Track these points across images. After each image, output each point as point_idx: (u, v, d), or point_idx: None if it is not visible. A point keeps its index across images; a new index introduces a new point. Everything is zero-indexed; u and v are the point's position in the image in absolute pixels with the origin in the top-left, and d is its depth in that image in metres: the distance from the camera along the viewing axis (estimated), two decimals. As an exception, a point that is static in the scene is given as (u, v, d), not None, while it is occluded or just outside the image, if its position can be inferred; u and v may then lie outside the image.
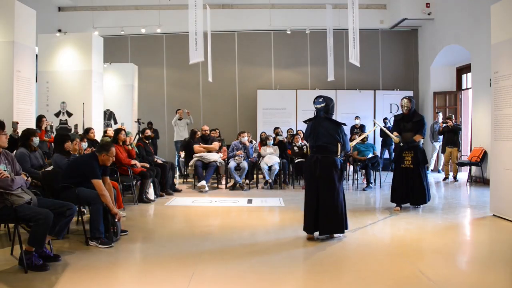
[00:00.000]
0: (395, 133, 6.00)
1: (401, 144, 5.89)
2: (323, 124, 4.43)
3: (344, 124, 4.56)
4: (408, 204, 5.98)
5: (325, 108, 4.46)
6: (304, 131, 9.46)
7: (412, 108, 5.89)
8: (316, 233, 4.42)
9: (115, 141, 6.60)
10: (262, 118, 11.33)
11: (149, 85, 12.12)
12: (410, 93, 11.52)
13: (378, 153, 8.60)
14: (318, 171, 4.35)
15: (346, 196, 7.11)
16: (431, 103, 11.22)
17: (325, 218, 4.32)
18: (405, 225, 5.09)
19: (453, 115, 9.70)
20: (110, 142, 5.46)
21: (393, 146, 10.01)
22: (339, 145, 4.41)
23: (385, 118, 10.85)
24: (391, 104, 11.40)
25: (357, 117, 10.63)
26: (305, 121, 4.69)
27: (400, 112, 6.15)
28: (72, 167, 4.44)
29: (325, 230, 4.37)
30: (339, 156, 4.47)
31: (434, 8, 10.49)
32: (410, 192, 5.83)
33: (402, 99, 5.99)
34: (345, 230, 4.46)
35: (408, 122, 5.89)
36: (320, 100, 4.48)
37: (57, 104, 8.47)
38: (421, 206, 5.99)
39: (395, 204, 5.97)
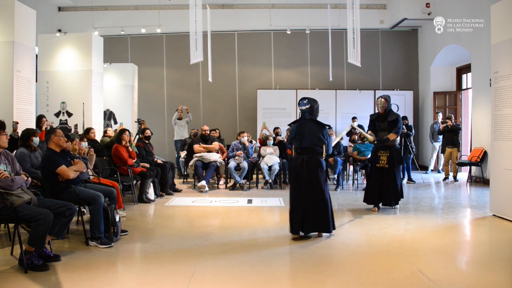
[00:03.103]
0: (369, 132, 6.01)
1: (375, 142, 5.89)
2: (309, 125, 4.47)
3: (329, 126, 4.60)
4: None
5: (310, 109, 4.51)
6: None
7: (388, 107, 5.89)
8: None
9: (118, 141, 6.60)
10: (262, 118, 11.31)
11: (149, 85, 12.12)
12: (410, 93, 11.54)
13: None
14: (305, 172, 4.39)
15: (346, 196, 7.21)
16: (431, 103, 11.23)
17: (312, 218, 4.36)
18: (404, 225, 5.10)
19: (452, 115, 9.70)
20: (56, 128, 5.46)
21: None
22: (324, 147, 4.45)
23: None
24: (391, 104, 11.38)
25: (354, 118, 10.52)
26: (289, 124, 4.71)
27: (376, 111, 6.16)
28: (41, 169, 4.38)
29: (312, 228, 4.41)
30: (323, 158, 4.50)
31: (434, 8, 10.49)
32: (383, 192, 5.83)
33: (379, 98, 5.98)
34: (333, 230, 4.51)
35: (384, 121, 5.89)
36: (305, 101, 4.52)
37: (57, 104, 8.47)
38: (396, 206, 5.96)
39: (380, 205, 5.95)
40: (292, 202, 4.50)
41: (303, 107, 4.52)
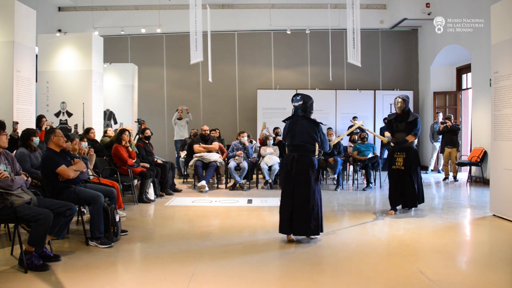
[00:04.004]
0: (387, 133, 5.81)
1: (392, 145, 5.70)
2: (301, 122, 4.36)
3: (322, 123, 4.48)
4: (402, 208, 5.88)
5: (303, 106, 4.39)
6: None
7: (406, 108, 5.67)
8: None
9: (118, 141, 6.60)
10: (262, 118, 11.33)
11: (149, 85, 12.12)
12: (410, 93, 11.52)
13: (378, 153, 8.60)
14: (294, 170, 4.29)
15: (346, 196, 7.21)
16: (431, 103, 11.23)
17: (299, 219, 4.25)
18: (404, 225, 5.10)
19: (452, 115, 9.70)
20: (56, 128, 5.51)
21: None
22: (317, 145, 4.35)
23: (385, 119, 10.83)
24: (391, 104, 11.35)
25: (354, 118, 10.59)
26: (283, 120, 4.61)
27: (393, 111, 5.91)
28: (41, 168, 4.37)
29: (299, 231, 4.29)
30: (316, 156, 4.39)
31: (434, 8, 10.49)
32: (402, 195, 5.68)
33: (396, 98, 5.75)
34: (320, 233, 4.39)
35: (402, 122, 5.68)
36: (298, 98, 4.41)
37: (57, 104, 8.47)
38: (413, 209, 5.86)
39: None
40: (281, 201, 4.41)
41: (296, 104, 4.41)
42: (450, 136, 9.23)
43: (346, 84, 11.99)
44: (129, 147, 6.67)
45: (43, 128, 6.90)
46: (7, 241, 4.32)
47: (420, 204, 5.88)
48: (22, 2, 6.59)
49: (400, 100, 5.70)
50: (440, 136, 9.79)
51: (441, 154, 9.89)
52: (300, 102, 4.39)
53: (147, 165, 6.92)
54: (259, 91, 11.52)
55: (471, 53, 9.27)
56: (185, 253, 3.98)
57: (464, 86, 11.03)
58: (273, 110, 11.42)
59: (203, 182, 7.72)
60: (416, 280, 3.26)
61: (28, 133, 5.10)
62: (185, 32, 9.24)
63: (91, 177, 5.23)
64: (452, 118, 9.51)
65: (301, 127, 4.34)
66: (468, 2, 9.09)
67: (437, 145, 10.33)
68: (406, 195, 5.67)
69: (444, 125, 9.25)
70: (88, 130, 6.98)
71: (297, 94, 4.48)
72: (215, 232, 4.84)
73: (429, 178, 9.89)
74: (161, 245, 4.26)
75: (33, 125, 6.67)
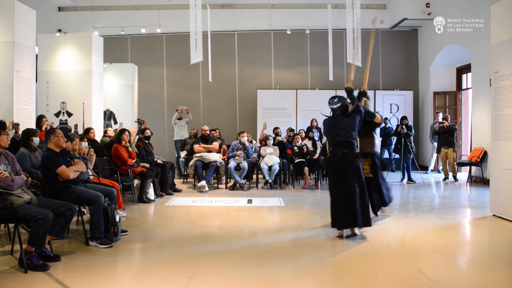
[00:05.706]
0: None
1: (367, 97, 5.57)
2: (342, 121, 4.57)
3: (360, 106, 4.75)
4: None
5: (341, 107, 4.62)
6: (305, 130, 9.49)
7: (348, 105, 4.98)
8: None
9: (118, 141, 6.60)
10: (262, 118, 11.33)
11: (149, 85, 12.12)
12: (410, 93, 11.53)
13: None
14: (348, 164, 4.43)
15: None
16: (431, 103, 11.22)
17: (362, 210, 4.40)
18: (404, 225, 5.10)
19: (449, 116, 9.69)
20: (56, 128, 5.53)
21: (392, 146, 10.00)
22: (356, 142, 4.59)
23: (385, 118, 10.84)
24: (391, 104, 11.40)
25: None
26: (325, 116, 4.87)
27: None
28: (41, 169, 4.37)
29: (365, 222, 4.44)
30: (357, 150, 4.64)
31: (434, 8, 10.49)
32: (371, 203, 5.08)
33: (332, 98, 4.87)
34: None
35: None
36: (336, 100, 4.65)
37: (57, 104, 8.46)
38: (381, 212, 5.42)
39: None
40: (334, 197, 4.49)
41: (334, 106, 4.63)
42: (446, 137, 9.23)
43: (346, 84, 11.96)
44: (129, 147, 6.67)
45: (43, 128, 6.89)
46: (7, 241, 4.33)
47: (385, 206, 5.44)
48: (22, 2, 6.59)
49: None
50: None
51: (438, 154, 9.88)
52: (338, 104, 4.64)
53: (147, 165, 6.92)
54: (259, 91, 11.52)
55: (471, 53, 9.26)
56: (185, 253, 3.99)
57: (464, 86, 11.02)
58: (273, 110, 11.42)
59: (203, 182, 7.72)
60: (416, 280, 3.26)
61: (28, 133, 5.10)
62: (185, 32, 9.24)
63: (91, 177, 5.23)
64: (449, 118, 9.51)
65: (344, 124, 4.54)
66: (468, 2, 9.09)
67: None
68: (373, 200, 5.13)
69: (441, 125, 9.25)
70: (88, 130, 6.98)
71: (334, 97, 4.71)
72: (215, 232, 4.84)
73: (429, 178, 9.88)
74: (161, 245, 4.26)
75: (33, 125, 6.66)
